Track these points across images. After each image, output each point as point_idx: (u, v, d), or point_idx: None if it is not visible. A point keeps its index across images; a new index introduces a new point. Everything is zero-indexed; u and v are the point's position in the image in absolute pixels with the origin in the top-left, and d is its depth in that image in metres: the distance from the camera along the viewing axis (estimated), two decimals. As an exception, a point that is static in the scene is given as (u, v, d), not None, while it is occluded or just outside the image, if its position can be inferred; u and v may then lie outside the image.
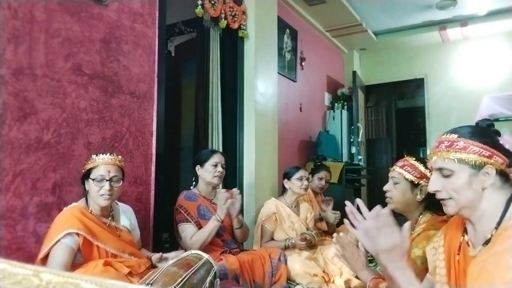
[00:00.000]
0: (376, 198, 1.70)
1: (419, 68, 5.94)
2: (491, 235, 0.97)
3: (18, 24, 1.73)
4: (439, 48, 5.78)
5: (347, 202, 1.13)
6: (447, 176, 1.03)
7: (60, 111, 1.90)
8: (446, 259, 1.12)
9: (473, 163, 0.99)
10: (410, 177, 1.58)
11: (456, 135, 1.04)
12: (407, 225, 1.06)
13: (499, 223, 0.97)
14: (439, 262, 1.14)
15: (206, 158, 2.34)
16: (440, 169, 1.04)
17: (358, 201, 1.15)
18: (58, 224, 1.57)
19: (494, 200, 0.99)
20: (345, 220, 1.13)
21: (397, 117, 6.77)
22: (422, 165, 1.61)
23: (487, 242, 0.97)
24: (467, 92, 5.46)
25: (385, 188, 1.66)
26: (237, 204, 2.27)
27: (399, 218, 1.31)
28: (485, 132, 1.05)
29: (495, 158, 0.99)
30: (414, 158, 1.65)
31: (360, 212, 1.08)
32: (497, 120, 5.33)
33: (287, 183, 2.82)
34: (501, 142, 1.03)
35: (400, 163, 1.66)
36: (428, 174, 1.59)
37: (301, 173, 2.79)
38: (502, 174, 1.00)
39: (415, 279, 1.02)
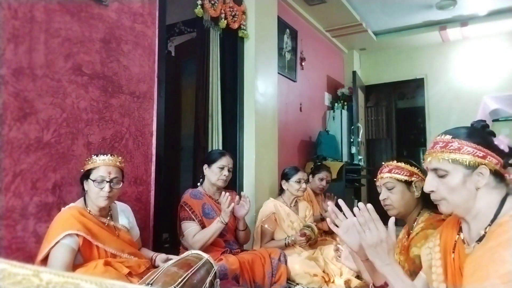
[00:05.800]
0: (376, 198, 1.68)
1: (419, 68, 5.94)
2: (485, 232, 0.99)
3: (18, 24, 1.73)
4: (439, 48, 5.78)
5: (329, 202, 1.20)
6: (441, 176, 1.05)
7: (60, 111, 1.90)
8: (442, 257, 1.14)
9: (467, 163, 1.01)
10: (402, 177, 1.58)
11: (451, 136, 1.06)
12: (391, 220, 1.09)
13: (493, 221, 0.99)
14: (435, 261, 1.15)
15: (214, 159, 2.34)
16: (435, 170, 1.07)
17: (340, 201, 1.19)
18: (57, 225, 1.56)
19: (489, 199, 1.01)
20: (328, 220, 1.19)
21: (397, 117, 6.76)
22: (406, 164, 1.61)
23: (480, 239, 1.00)
24: (467, 92, 5.46)
25: (381, 197, 1.62)
26: (246, 206, 2.27)
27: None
28: (479, 133, 1.07)
29: (489, 158, 1.01)
30: (395, 161, 1.64)
31: (342, 212, 1.14)
32: (497, 120, 5.33)
33: (285, 184, 2.81)
34: (495, 142, 1.05)
35: (385, 169, 1.63)
36: (415, 170, 1.60)
37: (299, 175, 2.77)
38: (496, 174, 1.02)
39: (403, 274, 1.05)
